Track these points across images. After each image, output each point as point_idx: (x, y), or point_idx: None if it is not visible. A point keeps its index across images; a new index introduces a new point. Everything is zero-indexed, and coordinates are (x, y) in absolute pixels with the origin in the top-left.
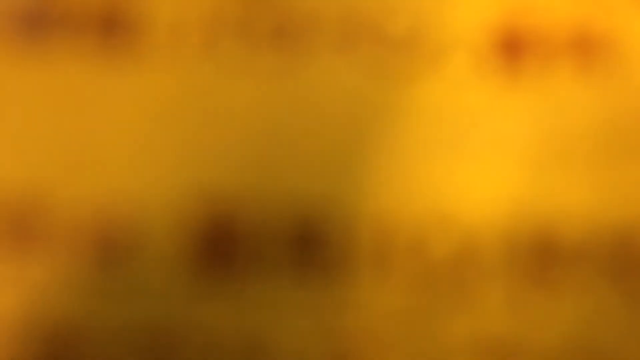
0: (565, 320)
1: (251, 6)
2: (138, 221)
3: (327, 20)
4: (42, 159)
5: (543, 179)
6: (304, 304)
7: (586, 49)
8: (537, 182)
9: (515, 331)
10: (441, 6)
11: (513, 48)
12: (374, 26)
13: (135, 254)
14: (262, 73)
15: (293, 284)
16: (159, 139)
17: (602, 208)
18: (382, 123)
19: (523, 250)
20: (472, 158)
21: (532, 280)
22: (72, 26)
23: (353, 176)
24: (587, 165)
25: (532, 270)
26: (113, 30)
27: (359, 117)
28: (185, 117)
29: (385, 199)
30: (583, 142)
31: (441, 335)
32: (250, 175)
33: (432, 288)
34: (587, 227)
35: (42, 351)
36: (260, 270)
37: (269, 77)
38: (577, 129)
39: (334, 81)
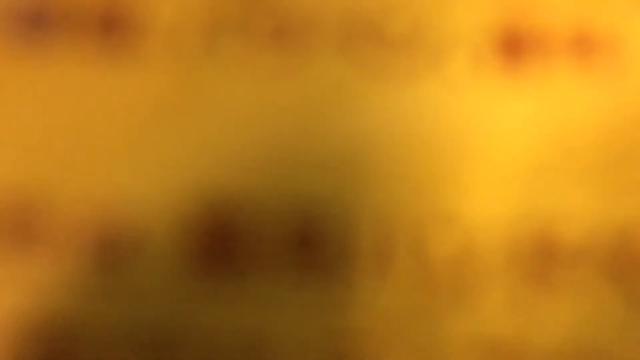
0: (565, 320)
1: (251, 6)
2: (138, 221)
3: (327, 20)
4: (42, 159)
5: (543, 178)
6: (304, 304)
7: (586, 48)
8: (537, 182)
9: (515, 331)
10: (441, 6)
11: (513, 48)
12: (374, 26)
13: (136, 254)
14: (262, 73)
15: (293, 283)
16: (159, 139)
17: (602, 208)
18: (382, 123)
19: (523, 250)
20: (472, 158)
21: (532, 280)
22: (72, 26)
23: (353, 176)
24: (587, 164)
25: (532, 270)
26: (113, 30)
27: (358, 117)
28: (185, 117)
29: (385, 199)
30: (583, 141)
31: (441, 335)
32: (251, 175)
33: (432, 288)
34: (587, 227)
35: (42, 351)
36: (261, 270)
37: (269, 77)
38: (577, 128)
39: (334, 81)
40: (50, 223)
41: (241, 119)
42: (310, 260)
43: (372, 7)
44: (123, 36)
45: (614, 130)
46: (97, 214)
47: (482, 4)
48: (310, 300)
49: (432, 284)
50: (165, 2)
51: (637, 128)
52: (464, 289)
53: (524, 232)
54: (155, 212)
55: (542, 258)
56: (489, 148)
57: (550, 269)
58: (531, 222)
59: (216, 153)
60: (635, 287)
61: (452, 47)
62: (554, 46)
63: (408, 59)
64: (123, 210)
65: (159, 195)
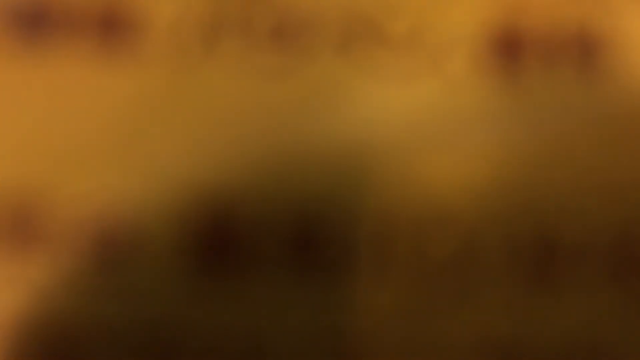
0: (566, 319)
1: (251, 6)
2: (138, 220)
3: (327, 20)
4: (41, 159)
5: (543, 178)
6: (304, 304)
7: (586, 48)
8: (538, 182)
9: (516, 331)
10: (441, 6)
11: (513, 48)
12: (374, 26)
13: (135, 253)
14: (262, 73)
15: (293, 283)
16: (158, 138)
17: (602, 208)
18: (382, 123)
19: (523, 250)
20: (472, 158)
21: (533, 280)
22: (71, 26)
23: (353, 176)
24: (587, 164)
25: (533, 270)
26: (113, 30)
27: (358, 116)
28: (185, 117)
29: (385, 199)
30: (583, 141)
31: (441, 336)
32: (250, 174)
33: (432, 288)
34: (587, 227)
35: (42, 351)
36: (260, 269)
37: (269, 76)
38: (578, 128)
39: (334, 81)
40: (49, 222)
41: (241, 118)
42: (310, 260)
43: (372, 7)
44: (123, 36)
45: (614, 130)
46: (97, 214)
47: (482, 3)
48: (310, 300)
49: (432, 284)
50: (165, 2)
51: (638, 128)
52: (464, 289)
53: (524, 232)
54: (155, 212)
55: (542, 258)
56: (489, 147)
57: (550, 268)
58: (531, 222)
59: (216, 152)
60: (635, 287)
61: (452, 47)
62: (553, 46)
63: (408, 59)
64: (122, 209)
65: (159, 195)
